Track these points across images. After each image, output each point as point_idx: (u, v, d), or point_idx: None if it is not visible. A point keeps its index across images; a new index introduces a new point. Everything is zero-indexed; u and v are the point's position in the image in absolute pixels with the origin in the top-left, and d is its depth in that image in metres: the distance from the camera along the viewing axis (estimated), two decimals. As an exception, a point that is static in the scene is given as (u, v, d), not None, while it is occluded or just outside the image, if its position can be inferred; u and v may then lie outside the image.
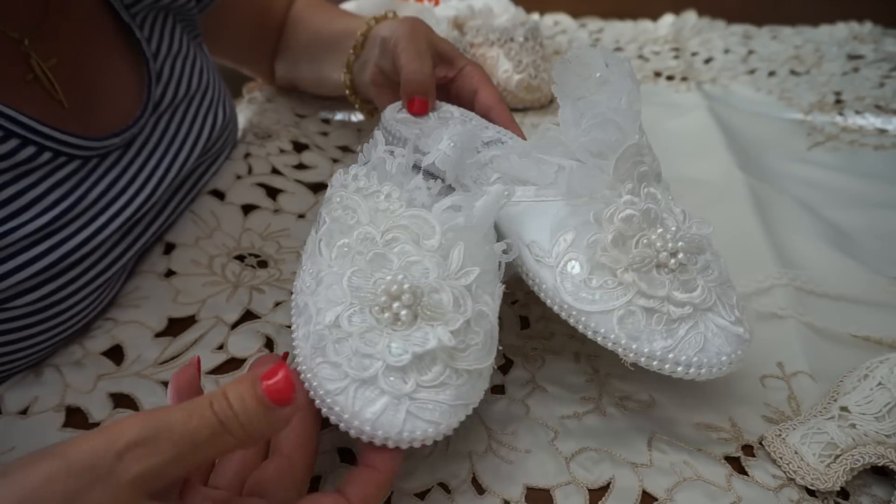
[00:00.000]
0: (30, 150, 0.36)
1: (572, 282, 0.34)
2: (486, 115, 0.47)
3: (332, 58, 0.58)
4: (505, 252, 0.34)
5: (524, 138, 0.45)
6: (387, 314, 0.29)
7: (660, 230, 0.33)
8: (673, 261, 0.32)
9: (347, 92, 0.57)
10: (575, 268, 0.34)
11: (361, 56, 0.54)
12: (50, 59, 0.40)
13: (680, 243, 0.32)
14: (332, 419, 0.29)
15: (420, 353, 0.29)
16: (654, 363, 0.32)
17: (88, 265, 0.40)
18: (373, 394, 0.28)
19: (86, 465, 0.22)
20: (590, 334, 0.33)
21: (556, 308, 0.35)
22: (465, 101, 0.50)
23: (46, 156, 0.37)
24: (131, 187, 0.43)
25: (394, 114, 0.47)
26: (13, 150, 0.35)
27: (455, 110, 0.48)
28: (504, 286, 0.34)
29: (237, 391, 0.23)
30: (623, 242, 0.33)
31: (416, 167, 0.41)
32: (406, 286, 0.29)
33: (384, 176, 0.35)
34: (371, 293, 0.30)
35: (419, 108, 0.45)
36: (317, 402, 0.29)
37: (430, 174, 0.41)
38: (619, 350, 0.33)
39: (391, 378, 0.28)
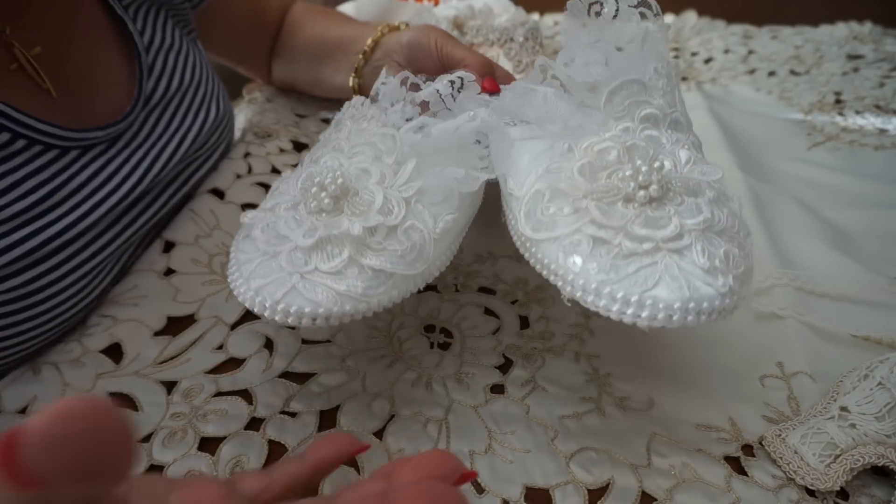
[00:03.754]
0: (4, 136, 0.36)
1: (530, 210, 0.31)
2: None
3: (335, 61, 0.58)
4: (459, 179, 0.33)
5: None
6: (313, 203, 0.31)
7: (638, 162, 0.29)
8: (642, 193, 0.28)
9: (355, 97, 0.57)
10: (537, 197, 0.31)
11: (372, 61, 0.54)
12: (34, 48, 0.40)
13: (654, 176, 0.29)
14: (230, 287, 0.31)
15: (325, 235, 0.30)
16: (590, 297, 0.28)
17: (72, 252, 0.40)
18: (271, 268, 0.30)
19: None
20: (537, 267, 0.31)
21: (516, 243, 0.32)
22: None
23: (21, 143, 0.37)
24: (115, 178, 0.43)
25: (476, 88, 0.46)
26: None
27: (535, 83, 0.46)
28: (455, 215, 0.34)
29: None
30: (592, 173, 0.30)
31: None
32: (339, 181, 0.31)
33: (375, 104, 0.37)
34: (310, 181, 0.32)
35: (492, 85, 0.45)
36: (228, 274, 0.32)
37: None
38: (559, 282, 0.29)
39: (296, 256, 0.30)
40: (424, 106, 0.39)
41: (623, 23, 0.36)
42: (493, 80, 0.44)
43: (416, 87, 0.41)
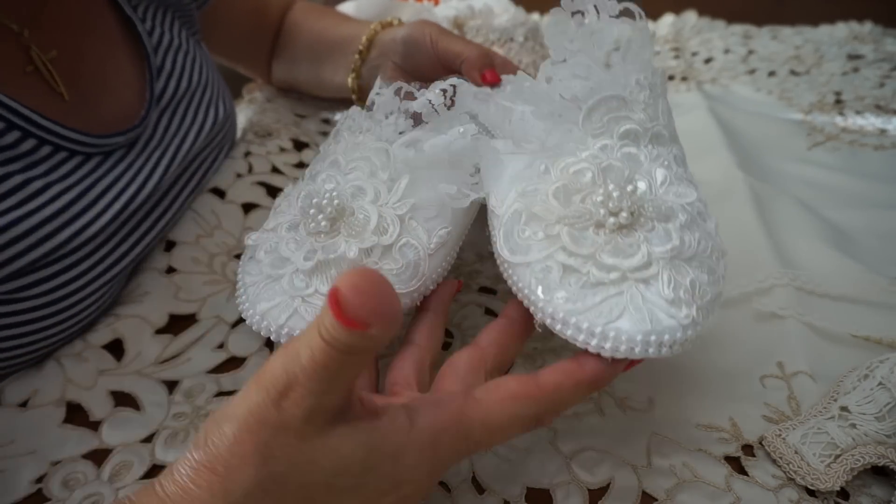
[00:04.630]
0: (30, 142, 0.36)
1: (508, 231, 0.32)
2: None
3: (334, 61, 0.58)
4: (451, 195, 0.34)
5: None
6: (312, 224, 0.33)
7: (611, 186, 0.29)
8: (612, 220, 0.29)
9: (354, 97, 0.56)
10: (514, 218, 0.32)
11: (369, 61, 0.54)
12: (50, 51, 0.40)
13: (625, 202, 0.29)
14: (238, 308, 0.33)
15: (323, 259, 0.31)
16: (557, 326, 0.28)
17: (91, 255, 0.40)
18: (274, 291, 0.32)
19: (252, 422, 0.23)
20: (513, 289, 0.31)
21: (497, 261, 0.33)
22: None
23: (46, 149, 0.37)
24: (136, 181, 0.43)
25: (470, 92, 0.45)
26: (14, 142, 0.36)
27: (526, 80, 0.46)
28: (449, 228, 0.35)
29: (323, 322, 0.22)
30: (567, 196, 0.30)
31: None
32: (335, 202, 0.32)
33: (370, 115, 0.38)
34: (307, 202, 0.33)
35: (493, 76, 0.45)
36: (237, 295, 0.34)
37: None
38: (531, 307, 0.30)
39: (296, 279, 0.32)
40: (417, 116, 0.39)
41: (605, 31, 0.35)
42: (493, 72, 0.44)
43: (410, 96, 0.41)
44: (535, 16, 0.94)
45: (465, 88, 0.39)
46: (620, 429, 0.36)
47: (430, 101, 0.38)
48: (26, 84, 0.38)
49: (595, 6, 0.35)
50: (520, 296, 0.30)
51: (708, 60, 0.85)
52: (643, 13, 0.35)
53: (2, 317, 0.36)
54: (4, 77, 0.36)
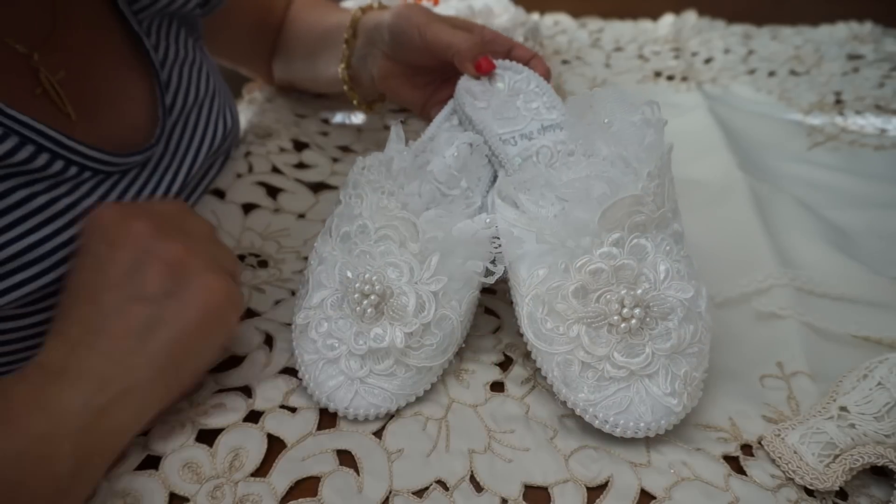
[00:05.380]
0: (58, 164, 0.37)
1: (532, 316, 0.36)
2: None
3: (326, 53, 0.57)
4: (478, 273, 0.37)
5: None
6: (357, 308, 0.35)
7: (623, 291, 0.34)
8: (624, 325, 0.33)
9: (346, 88, 0.55)
10: (537, 306, 0.36)
11: (357, 50, 0.53)
12: (58, 72, 0.40)
13: (636, 309, 0.33)
14: (303, 383, 0.36)
15: (375, 348, 0.35)
16: (577, 411, 0.34)
17: None
18: (334, 371, 0.35)
19: None
20: (538, 362, 0.36)
21: (521, 330, 0.37)
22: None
23: (73, 170, 0.39)
24: (150, 196, 0.44)
25: (466, 86, 0.46)
26: (46, 163, 0.37)
27: (532, 80, 0.46)
28: (475, 292, 0.38)
29: None
30: (585, 295, 0.34)
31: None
32: (377, 287, 0.35)
33: (390, 173, 0.40)
34: (351, 286, 0.35)
35: (487, 65, 0.44)
36: (298, 368, 0.37)
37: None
38: (554, 390, 0.35)
39: (351, 362, 0.35)
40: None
41: (622, 129, 0.39)
42: (487, 59, 0.44)
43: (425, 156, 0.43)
44: (535, 16, 0.94)
45: (482, 147, 0.43)
46: (619, 428, 0.36)
47: (449, 167, 0.42)
48: (37, 107, 0.38)
49: (613, 105, 0.40)
50: (545, 374, 0.36)
51: (708, 60, 0.85)
52: (659, 112, 0.39)
53: (23, 329, 0.38)
54: (16, 100, 0.36)
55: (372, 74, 0.52)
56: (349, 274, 0.36)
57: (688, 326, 0.34)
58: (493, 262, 0.37)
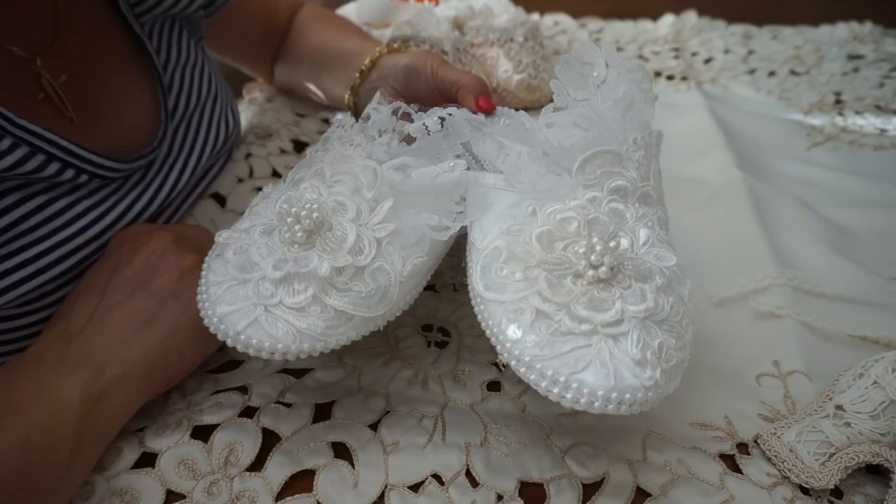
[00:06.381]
0: (69, 172, 0.38)
1: (487, 268, 0.32)
2: None
3: (336, 73, 0.58)
4: (432, 226, 0.33)
5: None
6: (287, 233, 0.31)
7: (595, 239, 0.30)
8: (591, 272, 0.29)
9: (350, 114, 0.56)
10: (494, 254, 0.32)
11: (368, 81, 0.54)
12: (60, 76, 0.40)
13: (607, 257, 0.29)
14: (198, 305, 0.32)
15: (293, 272, 0.30)
16: (522, 369, 0.28)
17: None
18: (238, 294, 0.31)
19: None
20: (482, 324, 0.31)
21: (470, 293, 0.33)
22: None
23: (83, 178, 0.39)
24: (153, 200, 0.44)
25: (465, 118, 0.44)
26: (56, 172, 0.37)
27: (526, 121, 0.45)
28: (424, 258, 0.34)
29: None
30: (550, 242, 0.31)
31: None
32: (315, 215, 0.31)
33: (363, 129, 0.38)
34: (287, 212, 0.32)
35: (487, 104, 0.44)
36: (198, 291, 0.32)
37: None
38: (497, 346, 0.30)
39: (261, 287, 0.30)
40: (410, 139, 0.39)
41: (612, 86, 0.35)
42: (488, 99, 0.44)
43: (407, 117, 0.41)
44: (535, 16, 0.94)
45: (460, 116, 0.39)
46: (616, 426, 0.36)
47: (426, 125, 0.38)
48: (39, 111, 0.39)
49: (605, 61, 0.35)
50: (488, 332, 0.30)
51: (708, 60, 0.85)
52: (648, 78, 0.36)
53: (22, 328, 0.39)
54: (19, 106, 0.37)
55: None
56: (286, 206, 0.32)
57: (667, 297, 0.30)
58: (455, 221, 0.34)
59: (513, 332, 0.29)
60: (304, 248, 0.31)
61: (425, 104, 0.48)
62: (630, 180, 0.33)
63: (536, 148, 0.34)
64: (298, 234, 0.31)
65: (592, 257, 0.29)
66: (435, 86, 0.47)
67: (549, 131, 0.35)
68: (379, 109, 0.40)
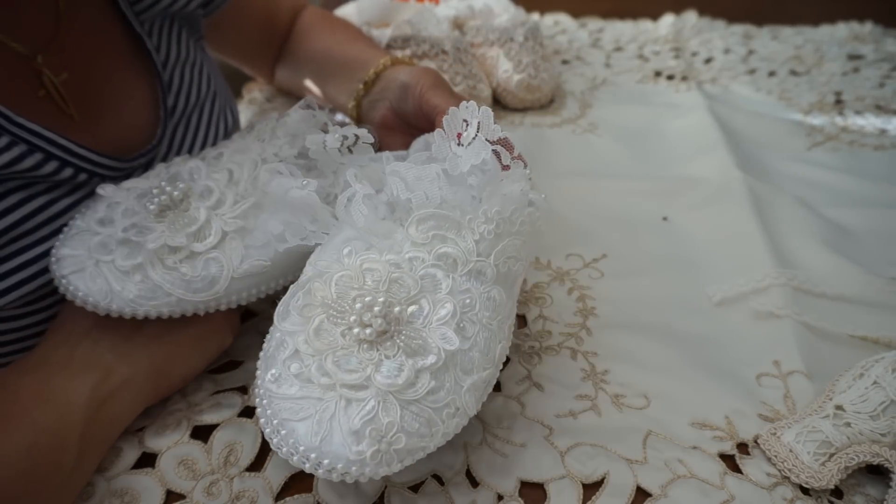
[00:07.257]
0: (67, 171, 0.38)
1: (293, 291, 0.31)
2: None
3: (339, 81, 0.57)
4: (274, 234, 0.33)
5: None
6: (148, 203, 0.35)
7: (381, 298, 0.29)
8: (357, 330, 0.28)
9: (352, 122, 0.55)
10: (301, 283, 0.32)
11: (372, 93, 0.53)
12: (61, 74, 0.40)
13: (378, 320, 0.28)
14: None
15: (133, 239, 0.34)
16: (255, 399, 0.29)
17: None
18: (83, 243, 0.34)
19: None
20: (266, 338, 0.32)
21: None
22: None
23: (83, 176, 0.39)
24: None
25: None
26: (54, 171, 0.37)
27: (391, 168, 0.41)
28: (267, 263, 0.35)
29: None
30: (346, 288, 0.30)
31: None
32: (176, 194, 0.35)
33: (274, 128, 0.40)
34: (157, 186, 0.36)
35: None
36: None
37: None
38: (258, 371, 0.30)
39: (107, 243, 0.34)
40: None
41: (475, 152, 0.32)
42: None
43: (324, 127, 0.40)
44: (535, 16, 0.94)
45: (367, 146, 0.38)
46: (616, 426, 0.36)
47: (325, 141, 0.37)
48: (40, 109, 0.39)
49: (479, 123, 0.32)
50: (264, 346, 0.31)
51: (708, 60, 0.85)
52: (526, 164, 0.34)
53: (23, 329, 0.38)
54: (19, 104, 0.37)
55: (374, 119, 0.52)
56: (170, 172, 0.36)
57: (433, 380, 0.28)
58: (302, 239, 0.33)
59: (267, 363, 0.30)
60: (156, 220, 0.34)
61: (413, 123, 0.47)
62: (463, 251, 0.31)
63: (384, 194, 0.33)
64: (152, 208, 0.34)
65: (365, 316, 0.28)
66: (418, 105, 0.45)
67: (397, 180, 0.32)
68: (291, 114, 0.40)
